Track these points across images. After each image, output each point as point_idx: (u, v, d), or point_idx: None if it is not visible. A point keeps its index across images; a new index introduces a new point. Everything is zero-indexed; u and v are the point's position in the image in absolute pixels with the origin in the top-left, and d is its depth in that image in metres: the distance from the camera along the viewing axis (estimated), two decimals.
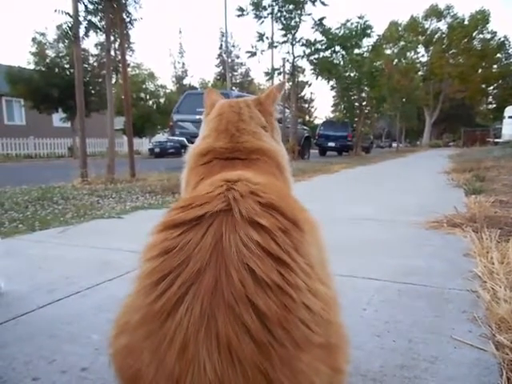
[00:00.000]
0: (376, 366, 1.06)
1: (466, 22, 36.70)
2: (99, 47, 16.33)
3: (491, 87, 39.19)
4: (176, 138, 14.90)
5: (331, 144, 20.38)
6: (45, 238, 2.67)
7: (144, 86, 26.28)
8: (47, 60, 18.59)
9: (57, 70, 18.37)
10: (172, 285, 0.62)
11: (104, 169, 6.47)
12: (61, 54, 18.56)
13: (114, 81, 6.80)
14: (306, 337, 0.61)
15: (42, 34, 18.78)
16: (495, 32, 36.98)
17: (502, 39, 36.92)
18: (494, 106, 39.69)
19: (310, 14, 11.03)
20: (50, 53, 18.83)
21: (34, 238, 2.68)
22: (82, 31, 5.62)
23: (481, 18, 36.19)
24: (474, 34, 36.61)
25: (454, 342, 1.19)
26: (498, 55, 37.32)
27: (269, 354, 0.59)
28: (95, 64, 18.26)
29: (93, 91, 17.90)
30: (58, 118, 20.87)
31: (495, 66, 37.57)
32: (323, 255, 0.76)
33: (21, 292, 1.66)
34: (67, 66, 18.37)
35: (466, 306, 1.44)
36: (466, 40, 36.30)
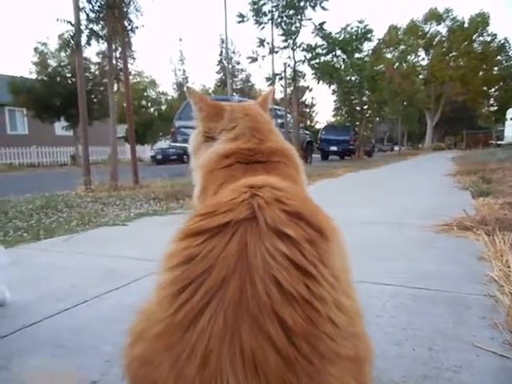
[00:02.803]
0: (398, 376, 1.02)
1: (465, 25, 36.76)
2: (100, 56, 16.44)
3: (492, 89, 39.14)
4: (178, 144, 14.93)
5: (333, 148, 20.35)
6: (50, 247, 2.64)
7: (145, 94, 26.41)
8: (49, 69, 18.70)
9: (59, 79, 18.50)
10: (194, 294, 0.60)
11: (107, 176, 6.46)
12: (62, 64, 18.68)
13: (115, 89, 6.81)
14: (333, 350, 0.59)
15: (44, 44, 18.93)
16: (495, 34, 37.08)
17: (503, 41, 36.98)
18: (496, 108, 39.62)
19: (310, 19, 11.07)
20: (52, 62, 18.96)
21: (39, 247, 2.65)
22: (83, 40, 5.64)
23: (481, 21, 36.24)
24: (474, 37, 36.64)
25: (476, 349, 1.14)
26: (499, 57, 37.31)
27: (294, 368, 0.56)
28: (96, 72, 18.35)
29: (94, 100, 17.97)
30: (60, 127, 20.95)
31: (496, 68, 37.56)
32: (346, 263, 0.74)
33: (27, 302, 1.62)
34: (69, 75, 18.50)
35: (486, 311, 1.39)
36: (466, 43, 36.31)
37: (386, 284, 1.71)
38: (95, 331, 1.34)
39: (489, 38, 37.12)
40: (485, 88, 37.97)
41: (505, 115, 24.89)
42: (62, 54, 18.30)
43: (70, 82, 18.16)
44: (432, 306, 1.48)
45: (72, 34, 5.38)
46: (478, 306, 1.44)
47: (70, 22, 5.34)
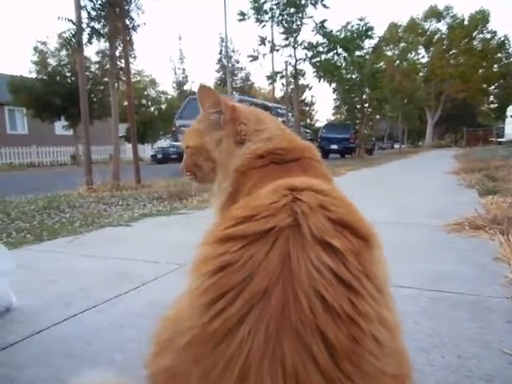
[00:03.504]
0: None
1: (465, 22, 36.64)
2: (100, 55, 16.39)
3: (492, 87, 39.02)
4: (179, 143, 14.79)
5: (334, 146, 20.27)
6: (54, 248, 2.59)
7: (145, 93, 26.31)
8: (49, 68, 18.62)
9: (58, 78, 18.40)
10: (232, 304, 0.56)
11: (108, 176, 6.41)
12: (62, 63, 18.59)
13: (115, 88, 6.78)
14: (377, 369, 0.56)
15: (44, 43, 18.84)
16: (495, 32, 36.94)
17: (503, 39, 36.88)
18: (496, 105, 39.56)
19: (311, 17, 11.00)
20: (52, 61, 18.87)
21: (43, 248, 2.60)
22: (85, 38, 5.58)
23: (480, 18, 36.13)
24: (474, 34, 36.51)
25: (506, 356, 1.10)
26: (499, 55, 37.22)
27: None
28: (96, 72, 18.28)
29: (94, 99, 17.89)
30: (60, 126, 20.87)
31: (496, 66, 37.46)
32: (386, 269, 0.69)
33: (34, 307, 1.57)
34: (69, 74, 18.41)
35: (510, 315, 1.35)
36: (466, 40, 36.18)
37: (404, 287, 1.66)
38: (106, 338, 1.29)
39: (489, 36, 37.04)
40: (485, 85, 37.87)
41: (505, 112, 24.84)
42: (62, 53, 18.22)
43: (69, 81, 18.09)
44: (454, 309, 1.43)
45: (73, 33, 5.31)
46: (501, 310, 1.40)
47: (71, 21, 5.28)
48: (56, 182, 7.17)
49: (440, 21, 37.80)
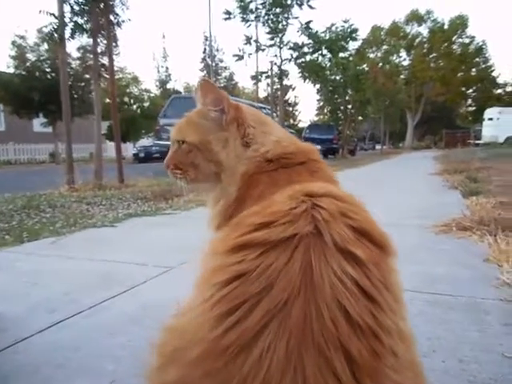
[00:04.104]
0: None
1: (445, 27, 37.47)
2: (81, 51, 16.01)
3: (470, 90, 40.03)
4: (162, 142, 14.68)
5: (317, 147, 20.01)
6: (36, 250, 2.49)
7: (128, 91, 25.90)
8: (27, 64, 18.08)
9: (37, 73, 17.88)
10: (248, 316, 0.52)
11: (90, 175, 6.25)
12: (42, 58, 18.08)
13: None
14: (396, 383, 0.54)
15: (22, 37, 18.28)
16: (474, 37, 37.91)
17: (480, 43, 37.87)
18: (474, 108, 40.59)
19: (297, 18, 11.02)
20: (31, 56, 18.33)
21: (24, 250, 2.50)
22: (67, 33, 5.42)
23: (460, 23, 36.97)
24: (453, 39, 37.33)
25: (507, 360, 1.09)
26: (477, 59, 38.19)
27: None
28: (78, 68, 17.86)
29: (75, 95, 17.47)
30: (38, 123, 20.30)
31: (474, 70, 38.43)
32: (399, 277, 0.67)
33: (17, 313, 1.49)
34: (48, 69, 17.92)
35: (506, 317, 1.35)
36: (446, 44, 36.98)
37: None
38: (95, 346, 1.23)
39: (467, 40, 37.97)
40: (463, 89, 38.79)
41: (482, 115, 25.53)
42: (42, 48, 17.72)
43: (49, 76, 17.59)
44: (451, 312, 1.42)
45: (55, 27, 5.14)
46: (496, 312, 1.40)
47: (53, 14, 5.11)
48: (35, 181, 6.96)
49: (421, 25, 38.55)
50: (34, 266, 2.13)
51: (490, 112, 23.94)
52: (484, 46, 38.02)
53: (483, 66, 38.52)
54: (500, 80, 40.11)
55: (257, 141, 0.82)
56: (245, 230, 0.60)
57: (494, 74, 38.93)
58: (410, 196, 4.75)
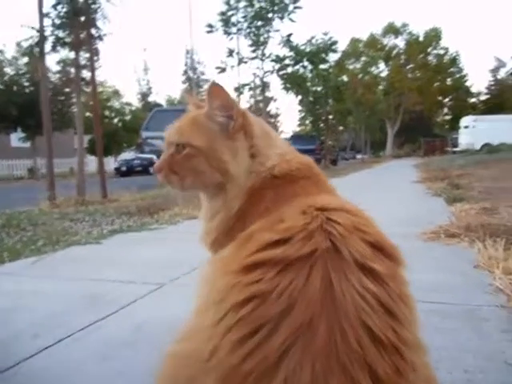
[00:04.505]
0: None
1: (421, 39, 38.71)
2: (61, 64, 15.81)
3: (446, 99, 41.33)
4: (145, 155, 14.54)
5: None
6: (17, 270, 2.39)
7: (109, 104, 25.68)
8: (5, 78, 17.76)
9: (15, 87, 17.58)
10: (270, 338, 0.49)
11: (71, 190, 6.11)
12: (20, 72, 17.80)
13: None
14: None
15: (0, 51, 17.99)
16: (447, 48, 39.30)
17: (454, 54, 39.26)
18: (450, 116, 41.81)
19: (278, 31, 11.17)
20: (9, 70, 18.03)
21: (5, 271, 2.40)
22: (48, 47, 5.33)
23: (434, 35, 38.30)
24: (429, 50, 38.66)
25: (511, 368, 1.08)
26: (452, 69, 39.52)
27: None
28: (56, 81, 17.63)
29: (54, 109, 17.21)
30: (16, 138, 19.87)
31: (449, 80, 39.74)
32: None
33: None
34: (27, 83, 17.64)
35: (504, 324, 1.35)
36: (422, 55, 38.26)
37: None
38: (86, 374, 1.16)
39: (442, 51, 39.36)
40: (440, 98, 40.05)
41: (458, 123, 26.27)
42: (20, 61, 17.47)
43: (27, 90, 17.32)
44: (447, 321, 1.42)
45: (36, 41, 5.05)
46: (494, 319, 1.40)
47: (34, 28, 5.02)
48: (14, 198, 6.77)
49: (398, 37, 39.72)
50: (16, 288, 2.04)
51: (465, 120, 24.64)
52: (457, 57, 39.49)
53: (457, 75, 39.91)
54: (474, 89, 41.69)
55: (262, 152, 0.79)
56: (258, 247, 0.58)
57: (467, 83, 40.43)
58: (396, 204, 4.80)
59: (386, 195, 5.99)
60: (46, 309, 1.70)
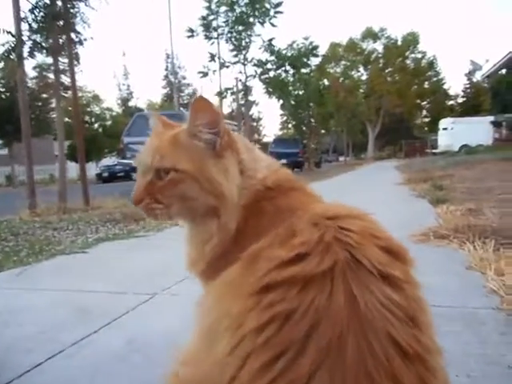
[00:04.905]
0: None
1: (399, 43, 39.52)
2: (38, 69, 15.51)
3: (425, 102, 42.30)
4: (127, 161, 14.33)
5: (283, 161, 20.25)
6: (1, 283, 2.30)
7: (88, 109, 25.26)
8: None
9: None
10: (298, 360, 0.47)
11: (52, 197, 5.95)
12: None
13: (54, 104, 6.32)
14: None
15: None
16: (425, 52, 40.25)
17: (431, 58, 40.24)
18: (429, 119, 42.79)
19: (259, 35, 11.23)
20: None
21: None
22: (26, 52, 5.18)
23: (412, 40, 39.16)
24: (406, 54, 39.50)
25: None
26: (429, 73, 40.48)
27: None
28: (34, 87, 17.25)
29: (32, 115, 16.83)
30: None
31: (427, 83, 40.71)
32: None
33: None
34: (3, 89, 17.19)
35: (502, 326, 1.36)
36: (400, 59, 39.05)
37: None
38: None
39: (420, 55, 40.31)
40: (418, 101, 40.95)
41: (437, 125, 26.86)
42: None
43: (3, 96, 16.88)
44: (446, 323, 1.42)
45: (13, 46, 4.90)
46: (492, 322, 1.41)
47: (10, 33, 4.88)
48: None
49: (376, 41, 40.43)
50: (2, 301, 1.95)
51: (444, 122, 25.20)
52: (435, 61, 40.47)
53: (435, 79, 40.90)
54: (451, 92, 42.80)
55: (249, 167, 0.75)
56: (271, 266, 0.54)
57: (445, 86, 41.47)
58: (382, 206, 4.84)
59: (371, 198, 6.04)
60: (36, 323, 1.63)
